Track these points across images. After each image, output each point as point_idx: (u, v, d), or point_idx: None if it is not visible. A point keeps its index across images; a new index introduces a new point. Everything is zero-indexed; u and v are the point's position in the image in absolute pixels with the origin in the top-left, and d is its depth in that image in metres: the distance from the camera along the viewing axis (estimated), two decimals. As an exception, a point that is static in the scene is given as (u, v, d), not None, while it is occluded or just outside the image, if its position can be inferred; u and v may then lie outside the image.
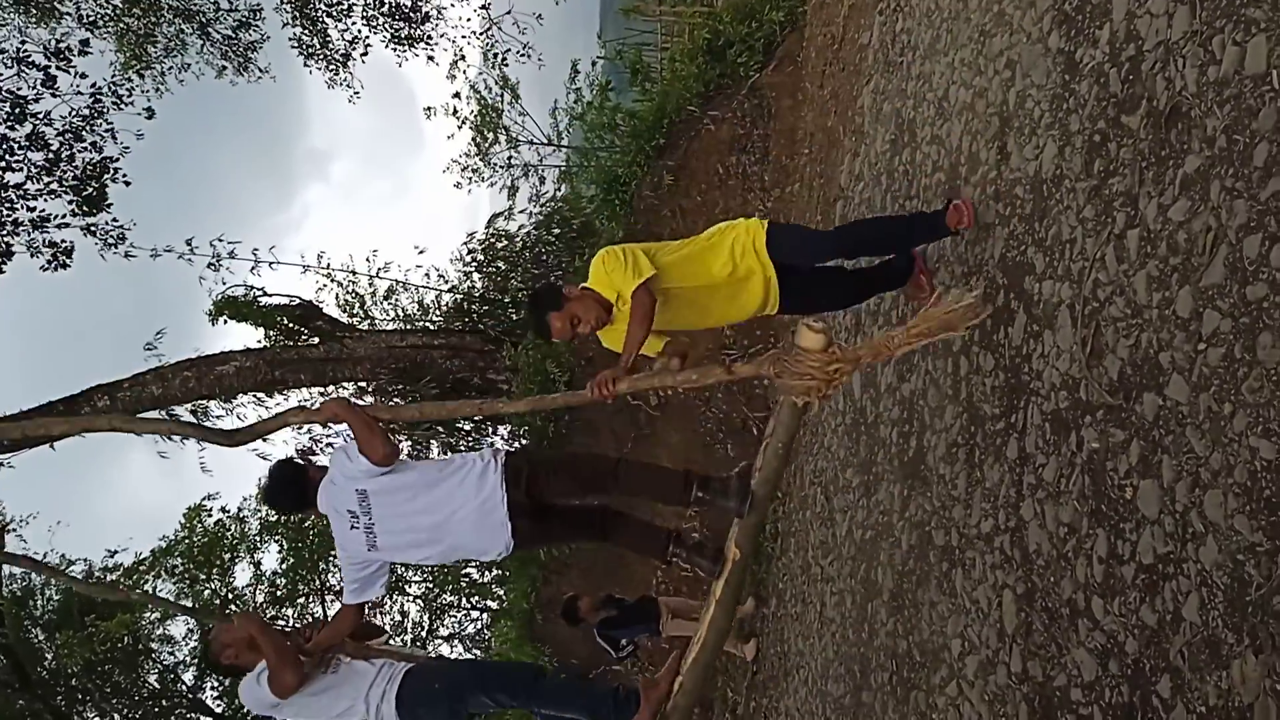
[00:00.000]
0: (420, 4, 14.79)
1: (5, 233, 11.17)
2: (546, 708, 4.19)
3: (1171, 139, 2.94)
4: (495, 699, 4.16)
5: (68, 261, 11.46)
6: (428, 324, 15.69)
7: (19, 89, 11.07)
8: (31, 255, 11.30)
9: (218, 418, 12.74)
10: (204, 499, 18.62)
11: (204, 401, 12.17)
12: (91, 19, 12.78)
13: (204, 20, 13.89)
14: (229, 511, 18.76)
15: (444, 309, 15.85)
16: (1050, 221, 3.66)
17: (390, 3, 14.50)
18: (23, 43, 11.41)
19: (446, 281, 16.09)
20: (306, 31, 14.21)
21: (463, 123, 20.06)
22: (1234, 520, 2.46)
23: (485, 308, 15.04)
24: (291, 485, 4.10)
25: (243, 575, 18.87)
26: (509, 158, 21.04)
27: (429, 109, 20.34)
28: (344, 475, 3.86)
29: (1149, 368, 2.91)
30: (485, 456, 3.87)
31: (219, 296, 12.91)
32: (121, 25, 13.38)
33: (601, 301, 4.16)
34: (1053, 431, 3.46)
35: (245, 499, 17.41)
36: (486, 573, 17.37)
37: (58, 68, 11.16)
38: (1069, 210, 3.52)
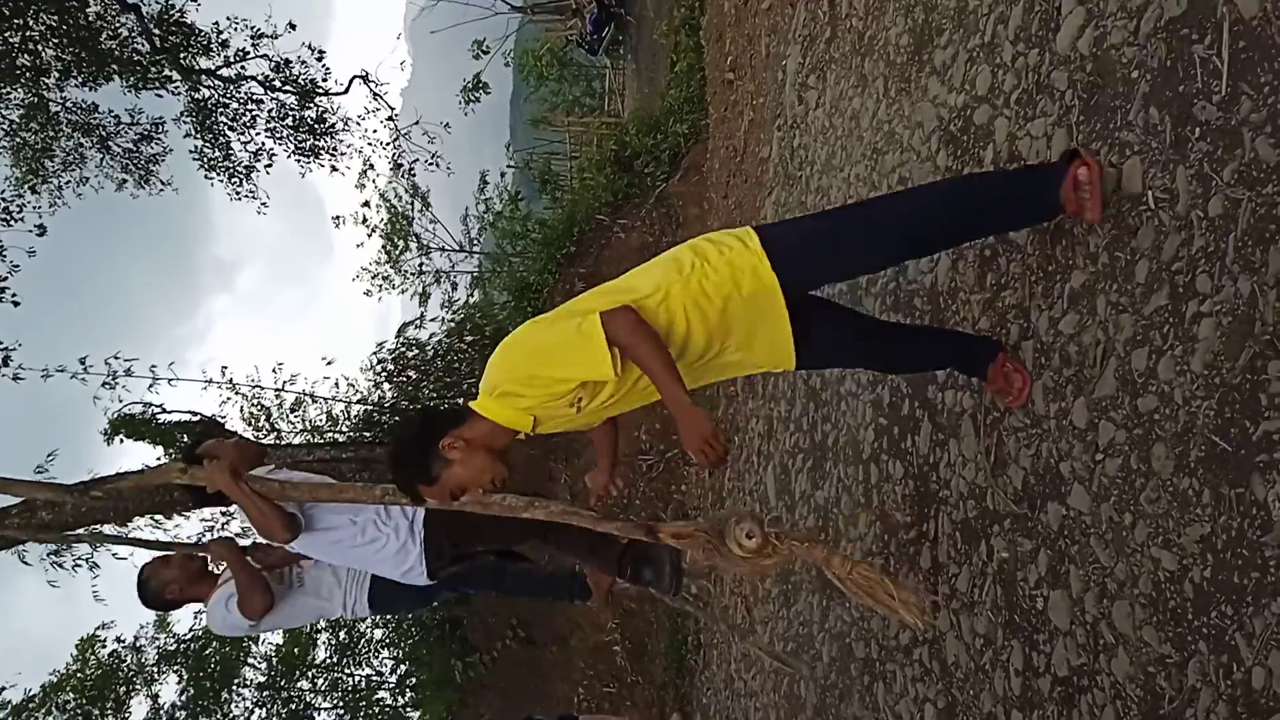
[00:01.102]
0: (325, 115, 14.82)
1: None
2: (512, 593, 4.63)
3: (1058, 254, 3.04)
4: (461, 590, 4.55)
5: (-52, 388, 10.94)
6: (336, 435, 15.32)
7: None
8: (-93, 380, 10.77)
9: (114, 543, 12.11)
10: (97, 628, 17.56)
11: (97, 526, 11.58)
12: (-18, 134, 12.52)
13: (104, 134, 13.68)
14: (124, 641, 17.71)
15: (353, 420, 15.52)
16: (948, 332, 3.74)
17: (294, 115, 14.51)
18: (-91, 159, 11.10)
19: (356, 392, 15.79)
20: (208, 144, 14.10)
21: (372, 231, 20.05)
22: (1142, 631, 2.47)
23: (395, 418, 14.76)
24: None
25: (139, 709, 17.75)
26: (420, 264, 21.04)
27: (338, 218, 20.33)
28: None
29: (1051, 477, 2.95)
30: (401, 534, 3.82)
31: (114, 415, 12.43)
32: (17, 140, 13.10)
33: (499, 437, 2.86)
34: (964, 540, 3.47)
35: (141, 626, 16.45)
36: (400, 696, 16.65)
37: (-56, 185, 10.84)
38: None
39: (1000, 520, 3.22)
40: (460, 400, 12.40)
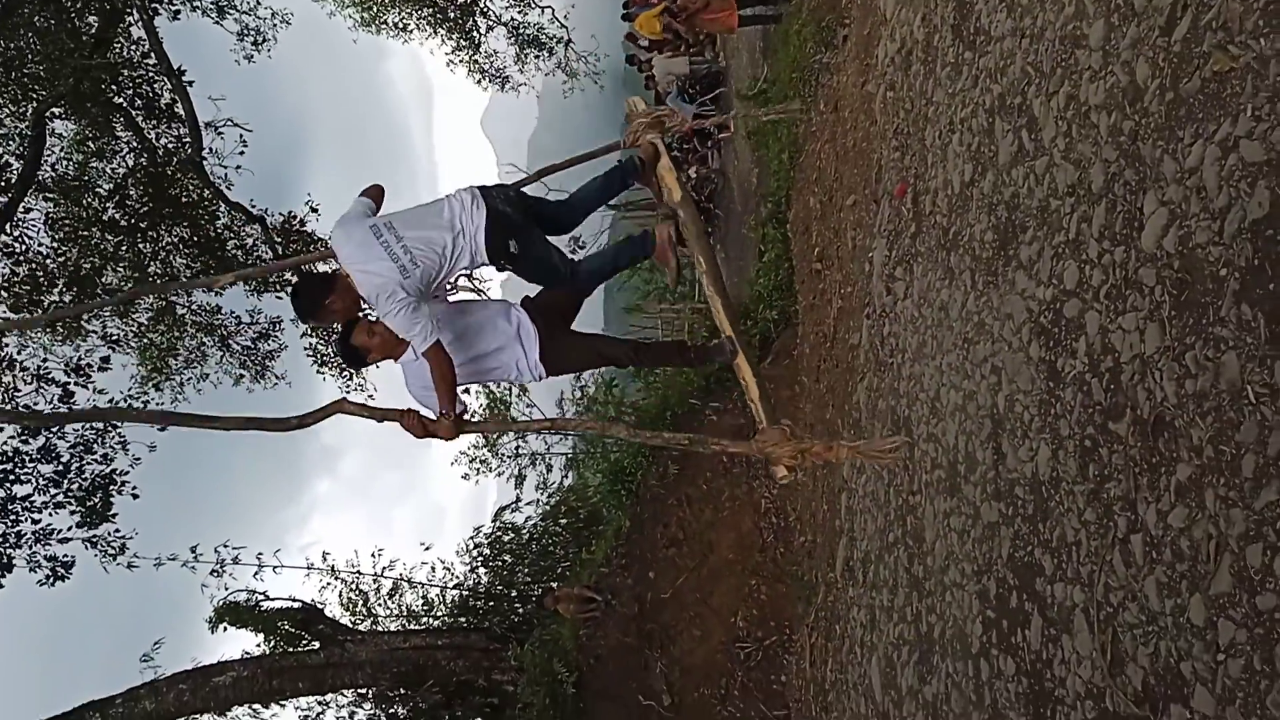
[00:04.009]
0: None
1: (7, 544, 11.16)
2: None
3: (1160, 447, 3.04)
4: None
5: (66, 575, 11.37)
6: (431, 621, 15.34)
7: (36, 403, 11.45)
8: (30, 570, 11.23)
9: (211, 732, 12.17)
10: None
11: (198, 716, 11.68)
12: (115, 337, 13.45)
13: (225, 333, 14.60)
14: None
15: (449, 605, 15.56)
16: (1054, 523, 3.70)
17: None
18: (44, 360, 11.93)
19: (453, 576, 15.90)
20: (322, 341, 14.91)
21: (472, 416, 20.60)
22: None
23: (490, 603, 14.78)
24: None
25: None
26: (516, 447, 21.45)
27: (439, 405, 20.99)
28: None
29: (1172, 678, 2.85)
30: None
31: (220, 603, 12.72)
32: (145, 341, 14.05)
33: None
34: (1084, 744, 3.32)
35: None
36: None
37: (76, 383, 11.59)
38: (1070, 513, 3.57)
39: (1122, 723, 3.09)
40: (555, 585, 12.40)
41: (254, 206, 14.05)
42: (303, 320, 4.51)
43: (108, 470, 11.69)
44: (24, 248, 12.02)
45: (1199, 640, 2.74)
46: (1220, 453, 2.74)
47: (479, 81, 19.80)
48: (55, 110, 12.40)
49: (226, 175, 13.87)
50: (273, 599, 13.08)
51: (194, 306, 14.59)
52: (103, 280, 12.81)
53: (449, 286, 4.46)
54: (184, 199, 13.77)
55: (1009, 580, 4.07)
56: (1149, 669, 2.97)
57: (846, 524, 7.18)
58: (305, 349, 14.68)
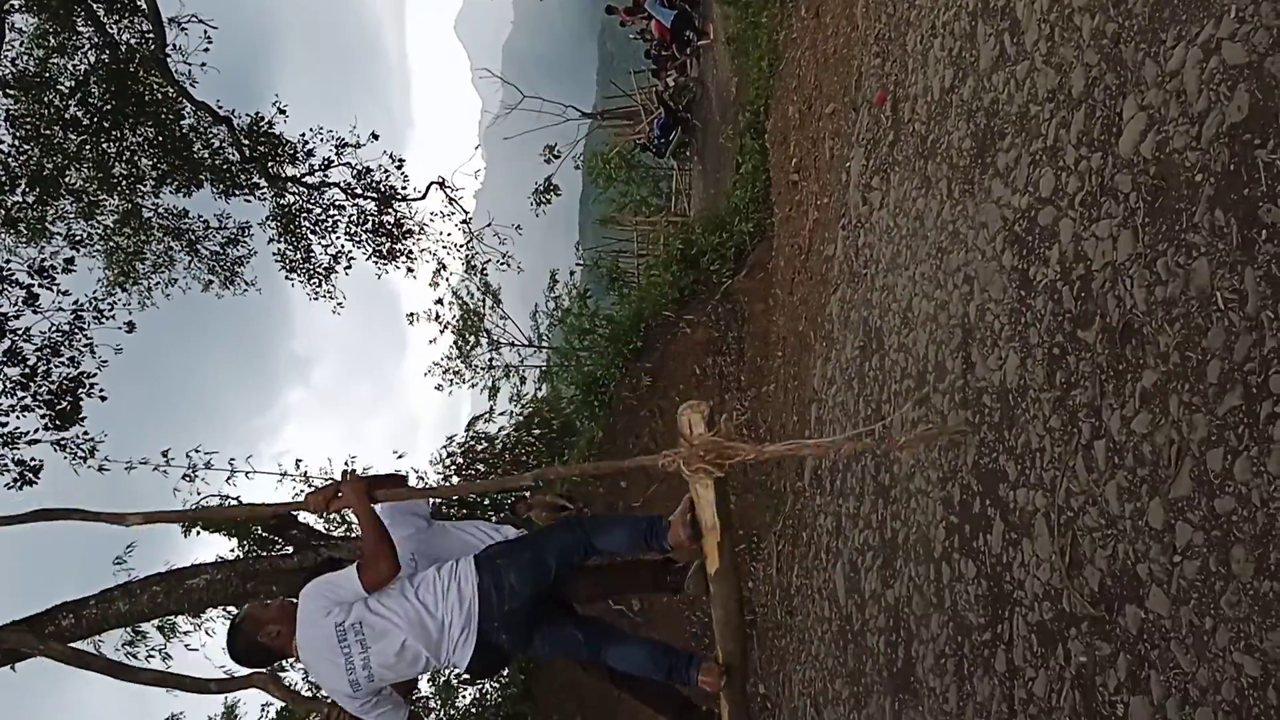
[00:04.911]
0: (403, 220, 15.38)
1: (-28, 449, 11.08)
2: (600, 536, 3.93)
3: (1127, 354, 3.05)
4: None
5: (34, 479, 11.32)
6: (405, 529, 15.47)
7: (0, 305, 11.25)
8: (-2, 473, 11.17)
9: (185, 633, 12.30)
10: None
11: (172, 617, 11.78)
12: (80, 238, 13.18)
13: (193, 238, 14.35)
14: (193, 733, 17.78)
15: (422, 514, 15.67)
16: (1019, 430, 3.74)
17: (373, 220, 15.08)
18: (7, 261, 11.69)
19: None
20: (291, 247, 14.69)
21: (445, 327, 20.56)
22: (1229, 741, 2.41)
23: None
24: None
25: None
26: (490, 360, 21.46)
27: (411, 315, 20.92)
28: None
29: (1128, 579, 2.91)
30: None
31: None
32: (111, 244, 13.79)
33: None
34: (1040, 644, 3.41)
35: (210, 718, 16.51)
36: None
37: (40, 285, 11.37)
38: (1036, 420, 3.60)
39: (1078, 623, 3.17)
40: (528, 494, 12.48)
41: (220, 107, 13.69)
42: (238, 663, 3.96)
43: (75, 373, 11.56)
44: (-16, 146, 11.71)
45: (1156, 543, 2.78)
46: (1186, 359, 2.75)
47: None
48: (14, 3, 11.94)
49: (191, 73, 13.48)
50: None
51: (161, 210, 14.31)
52: (65, 180, 12.51)
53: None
54: (148, 98, 13.38)
55: (973, 486, 4.12)
56: (1106, 571, 3.03)
57: (816, 434, 7.24)
58: (274, 254, 14.49)
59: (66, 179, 12.51)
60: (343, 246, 15.04)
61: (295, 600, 3.72)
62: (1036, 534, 3.49)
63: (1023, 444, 3.70)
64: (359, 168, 14.79)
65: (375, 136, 14.97)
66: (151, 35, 12.90)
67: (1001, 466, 3.86)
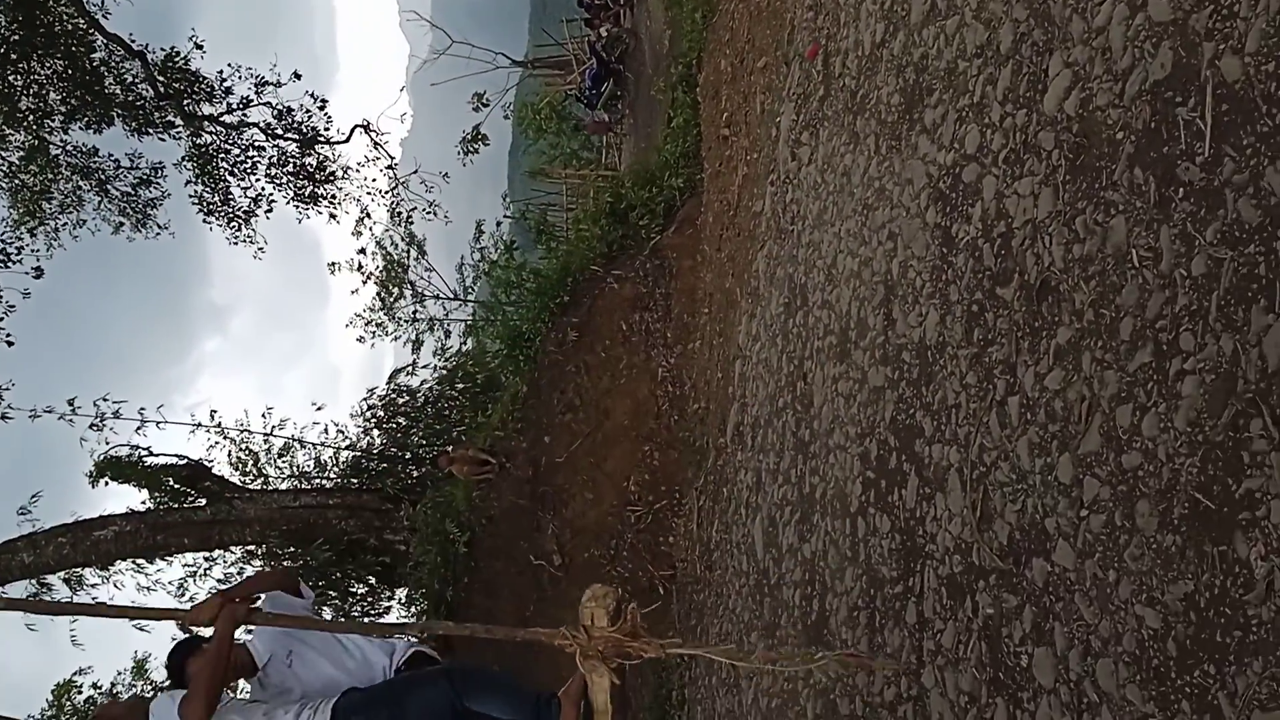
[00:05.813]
0: (325, 163, 14.95)
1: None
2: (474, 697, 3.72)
3: (1043, 311, 3.07)
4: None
5: (-66, 426, 10.87)
6: (323, 481, 15.22)
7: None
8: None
9: (93, 586, 11.99)
10: (75, 673, 17.26)
11: (79, 570, 11.46)
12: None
13: (104, 177, 13.77)
14: (101, 688, 17.39)
15: (342, 466, 15.43)
16: (936, 387, 3.76)
17: (295, 162, 14.64)
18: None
19: (345, 438, 15.73)
20: (208, 189, 14.20)
21: (368, 277, 20.15)
22: (1126, 690, 2.45)
23: (384, 465, 14.70)
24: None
25: (113, 758, 17.33)
26: (414, 312, 21.12)
27: (333, 264, 20.45)
28: None
29: (1036, 533, 2.94)
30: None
31: (100, 457, 12.35)
32: (16, 182, 13.17)
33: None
34: (949, 596, 3.45)
35: (119, 673, 16.16)
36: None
37: (-60, 225, 10.87)
38: (953, 376, 3.62)
39: (986, 576, 3.21)
40: (450, 448, 12.27)
41: (134, 41, 13.08)
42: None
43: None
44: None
45: (1064, 497, 2.82)
46: (1100, 316, 2.77)
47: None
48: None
49: (104, 4, 12.85)
50: (156, 455, 12.76)
51: (69, 147, 13.70)
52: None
53: None
54: (57, 28, 12.73)
55: (890, 442, 4.15)
56: (1015, 525, 3.07)
57: (739, 390, 7.26)
58: (190, 196, 13.99)
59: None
60: (263, 189, 14.60)
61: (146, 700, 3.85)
62: (949, 489, 3.52)
63: (939, 400, 3.72)
64: (280, 107, 14.35)
65: (298, 76, 14.52)
66: (59, -41, 12.28)
67: (918, 422, 3.89)
